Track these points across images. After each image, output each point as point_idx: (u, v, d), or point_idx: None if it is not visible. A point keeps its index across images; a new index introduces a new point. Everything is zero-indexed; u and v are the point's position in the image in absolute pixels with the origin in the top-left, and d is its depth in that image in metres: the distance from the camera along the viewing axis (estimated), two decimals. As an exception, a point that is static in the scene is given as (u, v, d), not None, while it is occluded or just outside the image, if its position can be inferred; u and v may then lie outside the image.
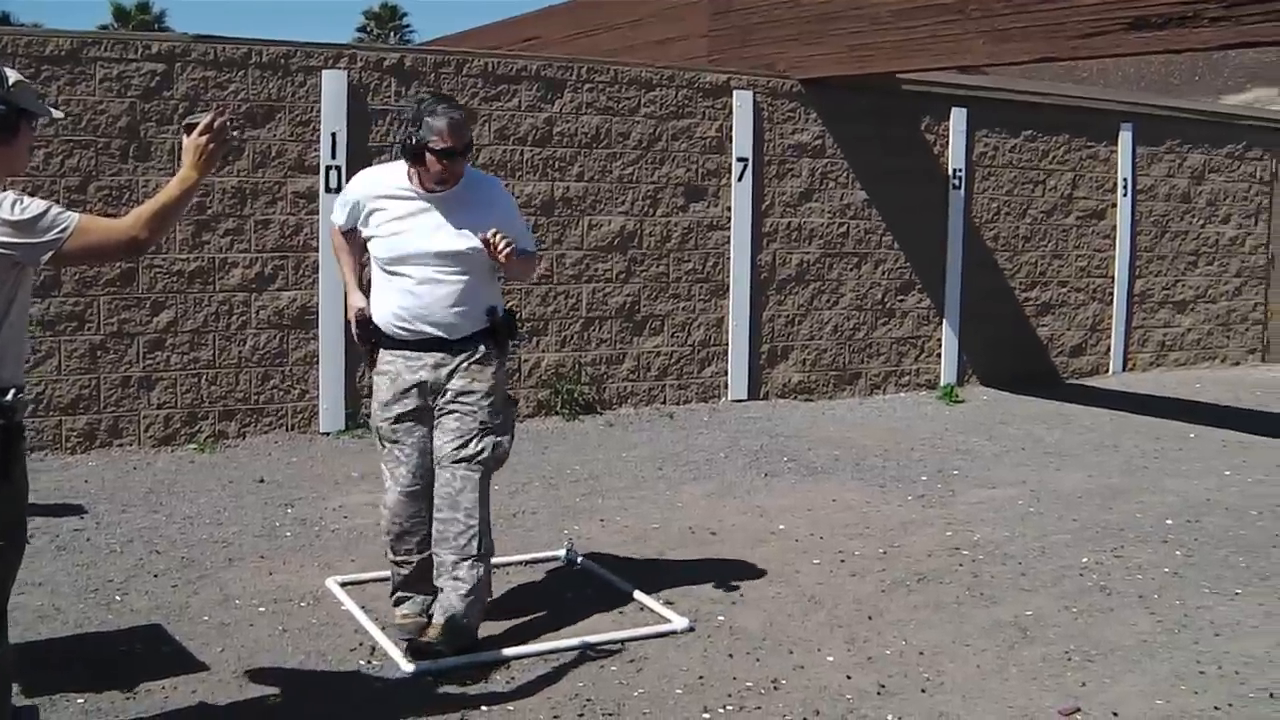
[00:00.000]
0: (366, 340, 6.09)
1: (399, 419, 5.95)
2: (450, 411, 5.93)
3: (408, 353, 5.93)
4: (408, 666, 5.59)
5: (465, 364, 5.94)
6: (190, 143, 4.36)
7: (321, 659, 5.74)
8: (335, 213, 6.18)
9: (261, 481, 8.99)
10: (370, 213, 5.95)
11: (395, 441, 5.96)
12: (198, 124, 4.37)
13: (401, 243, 5.87)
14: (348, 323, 6.33)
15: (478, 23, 18.71)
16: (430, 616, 6.02)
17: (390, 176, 5.99)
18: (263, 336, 10.22)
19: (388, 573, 6.40)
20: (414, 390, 5.93)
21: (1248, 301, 16.38)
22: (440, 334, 5.91)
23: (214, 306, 10.03)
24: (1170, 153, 15.44)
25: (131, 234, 4.18)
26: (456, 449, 5.88)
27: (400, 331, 5.92)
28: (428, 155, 5.73)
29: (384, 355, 5.99)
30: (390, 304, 5.93)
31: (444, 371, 5.92)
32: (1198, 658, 5.98)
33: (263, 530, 7.77)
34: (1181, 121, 15.64)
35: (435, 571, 6.00)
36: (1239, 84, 26.84)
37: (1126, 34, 9.44)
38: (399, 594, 6.10)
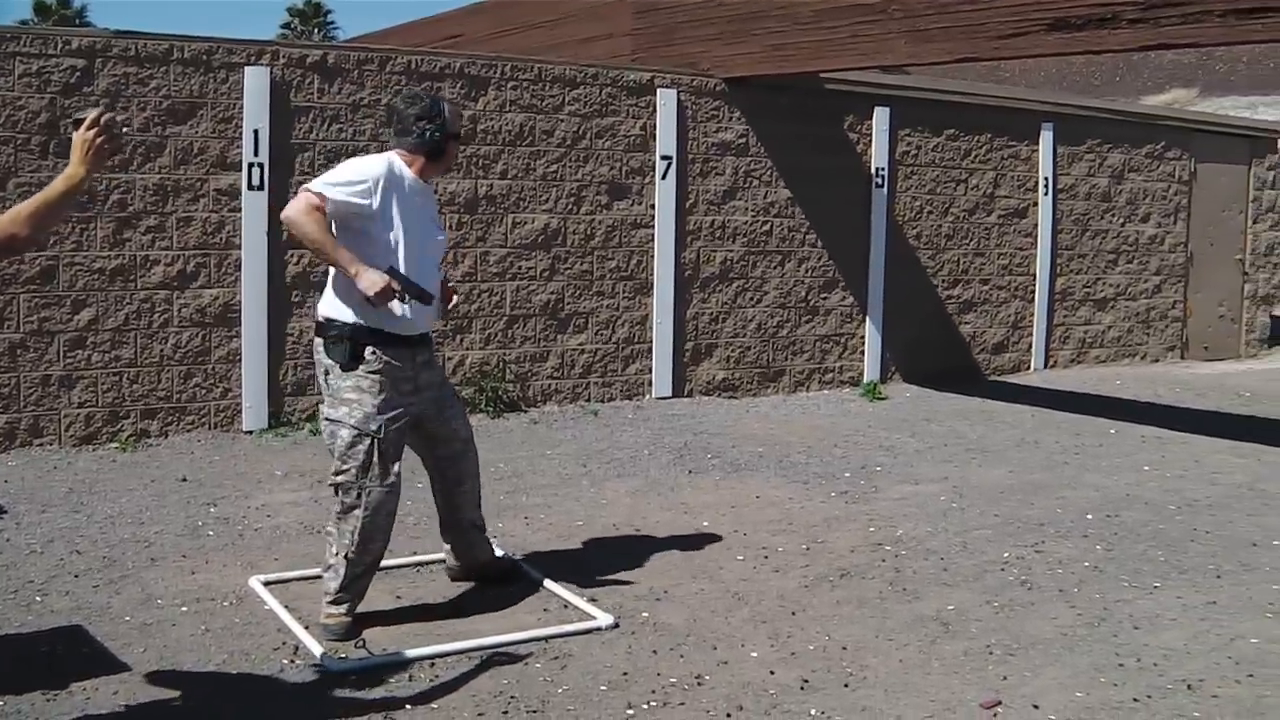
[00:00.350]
0: (405, 292, 6.02)
1: (400, 417, 6.13)
2: (450, 395, 6.56)
3: (405, 348, 6.14)
4: (332, 665, 5.58)
5: (432, 352, 6.41)
6: (78, 138, 4.21)
7: (245, 658, 5.71)
8: (344, 187, 5.96)
9: (184, 480, 8.93)
10: (389, 195, 6.04)
11: (393, 440, 6.10)
12: (85, 119, 4.22)
13: (420, 229, 6.15)
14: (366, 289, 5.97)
15: (402, 20, 18.65)
16: (355, 614, 6.13)
17: (398, 164, 6.15)
18: (185, 334, 10.15)
19: (312, 571, 6.55)
20: (412, 386, 6.18)
21: (1167, 299, 16.55)
22: (427, 327, 6.33)
23: (135, 305, 9.95)
24: (1091, 152, 15.58)
25: (10, 231, 4.04)
26: (469, 430, 6.64)
27: (407, 317, 6.10)
28: (450, 145, 6.22)
29: (382, 354, 6.05)
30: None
31: (427, 361, 6.34)
32: (1117, 650, 6.05)
33: (185, 529, 7.72)
34: (1101, 121, 15.79)
35: (464, 524, 6.68)
36: (1158, 85, 27.13)
37: (1046, 35, 9.51)
38: (340, 594, 6.06)
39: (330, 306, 6.07)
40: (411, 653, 5.77)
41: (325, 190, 5.93)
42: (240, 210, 10.23)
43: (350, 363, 6.01)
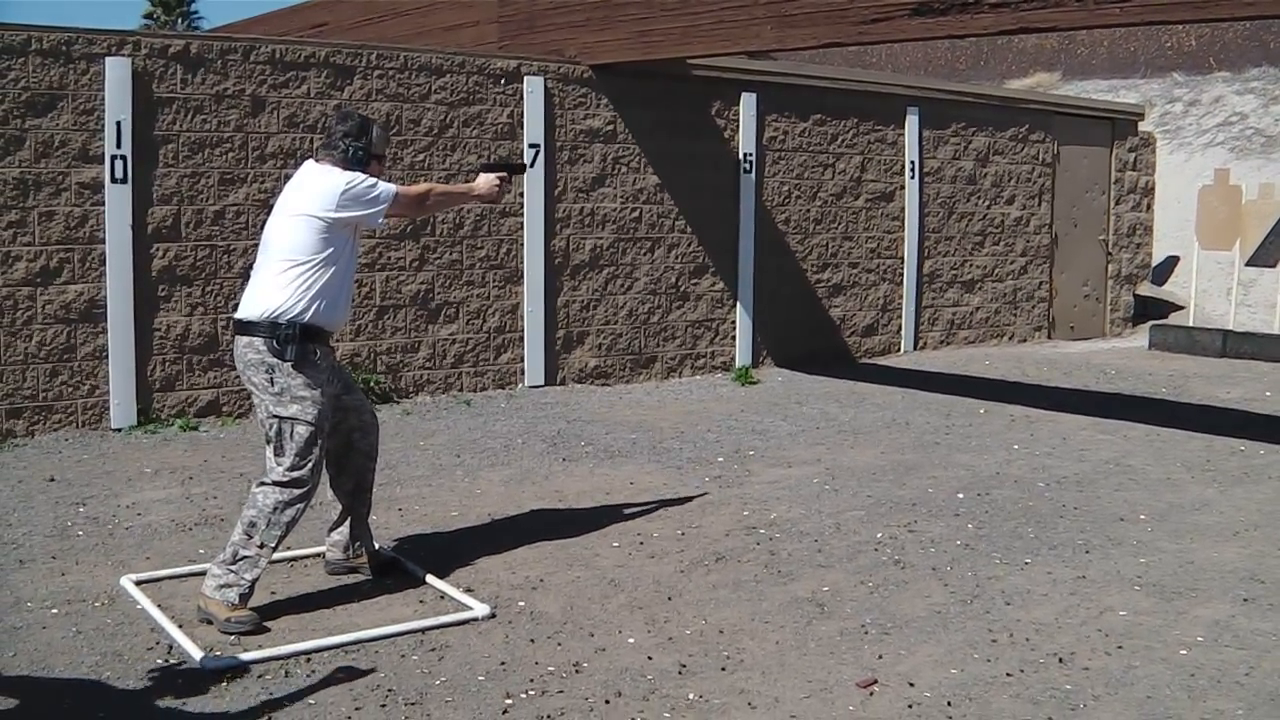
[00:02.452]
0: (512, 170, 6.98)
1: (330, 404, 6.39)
2: (344, 369, 6.91)
3: (327, 343, 6.43)
4: (208, 664, 5.52)
5: None
6: None
7: (118, 660, 5.62)
8: (386, 190, 6.37)
9: (52, 480, 8.78)
10: None
11: (327, 426, 6.33)
12: None
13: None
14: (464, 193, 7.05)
15: (267, 9, 18.45)
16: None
17: None
18: (49, 331, 9.98)
19: (184, 569, 6.68)
20: (330, 375, 6.41)
21: (1033, 280, 16.76)
22: None
23: (-3, 301, 9.80)
24: (956, 136, 15.73)
25: None
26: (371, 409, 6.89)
27: (342, 322, 6.59)
28: (372, 164, 6.45)
29: (320, 351, 6.30)
30: (348, 297, 6.48)
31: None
32: (990, 626, 6.12)
33: (54, 530, 7.59)
34: (966, 105, 15.95)
35: (361, 512, 6.82)
36: (1022, 69, 27.37)
37: (910, 20, 9.59)
38: (250, 588, 6.14)
39: (273, 305, 6.17)
40: (287, 649, 5.71)
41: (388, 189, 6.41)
42: (103, 204, 10.08)
43: (301, 360, 6.16)
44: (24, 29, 9.84)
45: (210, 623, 6.01)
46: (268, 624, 6.03)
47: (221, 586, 6.05)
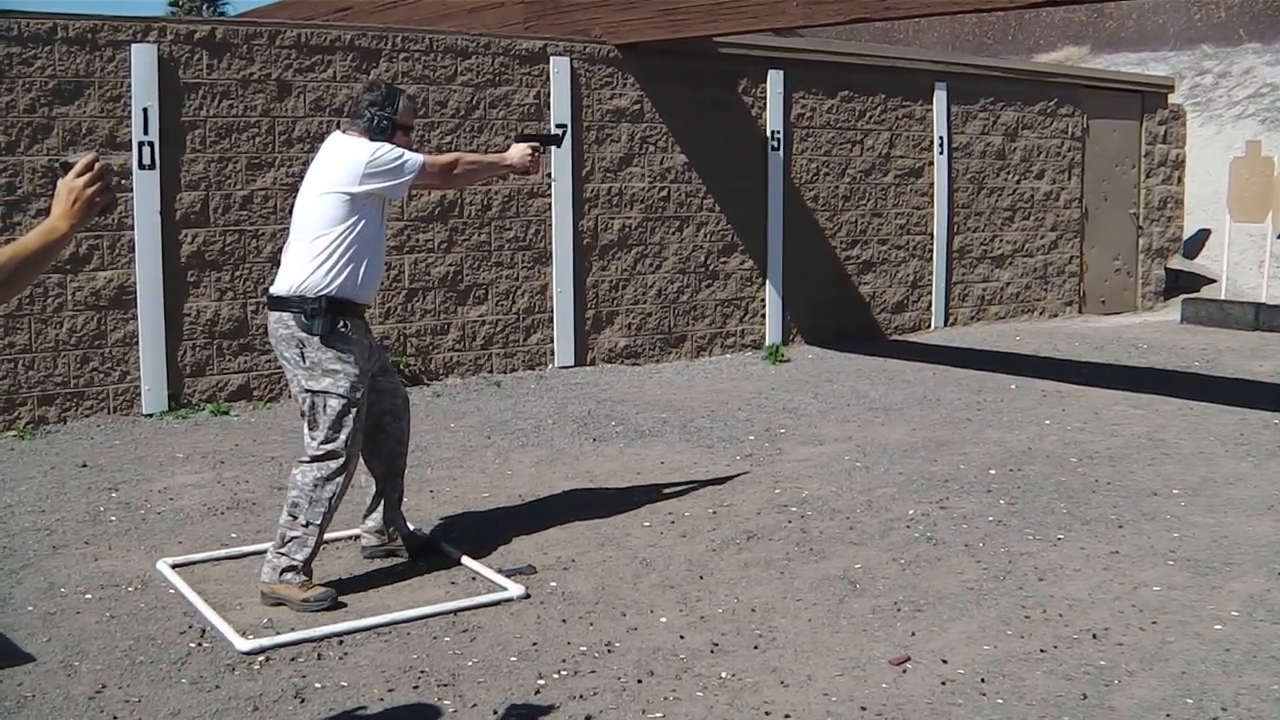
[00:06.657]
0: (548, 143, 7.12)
1: (366, 382, 6.37)
2: (385, 352, 6.89)
3: (361, 317, 6.42)
4: (241, 645, 5.53)
5: None
6: (64, 186, 3.55)
7: (151, 643, 5.64)
8: (412, 159, 6.34)
9: (84, 466, 8.81)
10: None
11: (362, 402, 6.32)
12: (75, 163, 3.56)
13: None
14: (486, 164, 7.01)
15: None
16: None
17: None
18: (80, 318, 10.01)
19: (218, 553, 6.73)
20: (368, 351, 6.43)
21: (1064, 255, 16.69)
22: None
23: (28, 289, 9.80)
24: (984, 111, 15.67)
25: None
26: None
27: (372, 295, 6.49)
28: (398, 134, 6.39)
29: (351, 325, 6.28)
30: (377, 269, 6.41)
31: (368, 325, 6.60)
32: (1023, 602, 6.11)
33: (87, 516, 7.62)
34: (994, 80, 15.88)
35: (393, 496, 6.80)
36: (1051, 43, 27.24)
37: (937, -7, 9.56)
38: (306, 564, 6.21)
39: (300, 280, 6.19)
40: (320, 631, 5.73)
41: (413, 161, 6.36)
42: (132, 190, 10.09)
43: (330, 334, 6.17)
44: (50, 17, 9.86)
45: (281, 604, 6.08)
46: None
47: (279, 570, 6.12)
